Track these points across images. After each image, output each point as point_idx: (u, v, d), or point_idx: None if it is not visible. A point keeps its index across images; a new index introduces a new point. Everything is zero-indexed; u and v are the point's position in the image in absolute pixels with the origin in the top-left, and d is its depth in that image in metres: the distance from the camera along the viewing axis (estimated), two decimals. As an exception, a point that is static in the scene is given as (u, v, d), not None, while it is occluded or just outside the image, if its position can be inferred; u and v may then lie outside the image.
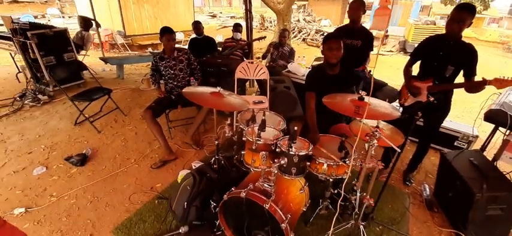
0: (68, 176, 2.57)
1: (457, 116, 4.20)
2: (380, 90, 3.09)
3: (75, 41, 4.73)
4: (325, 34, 11.24)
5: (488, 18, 21.42)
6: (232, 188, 1.72)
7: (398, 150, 1.44)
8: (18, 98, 4.01)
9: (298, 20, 13.15)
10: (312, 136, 1.94)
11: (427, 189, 2.47)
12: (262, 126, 1.69)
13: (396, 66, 7.67)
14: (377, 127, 1.50)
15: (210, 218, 1.99)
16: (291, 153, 1.58)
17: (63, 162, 2.74)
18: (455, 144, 3.02)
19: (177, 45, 2.94)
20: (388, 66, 7.86)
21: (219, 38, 6.00)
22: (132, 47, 8.03)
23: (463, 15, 1.87)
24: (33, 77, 4.31)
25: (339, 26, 2.94)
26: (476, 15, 1.95)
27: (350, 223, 1.87)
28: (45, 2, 17.39)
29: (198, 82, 3.12)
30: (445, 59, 2.05)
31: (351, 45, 2.57)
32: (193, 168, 2.52)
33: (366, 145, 1.55)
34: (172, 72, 2.91)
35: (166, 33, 2.73)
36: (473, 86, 1.94)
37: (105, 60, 5.23)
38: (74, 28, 4.97)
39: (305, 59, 4.29)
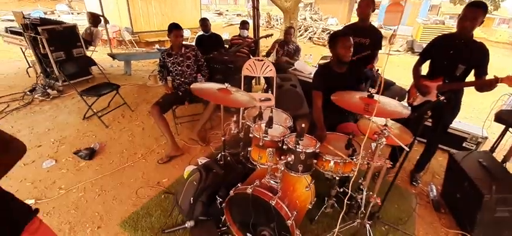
0: (77, 169, 2.62)
1: (465, 117, 4.14)
2: (388, 89, 3.06)
3: (84, 36, 4.79)
4: (331, 32, 11.21)
5: (498, 19, 20.98)
6: (239, 184, 1.73)
7: (407, 149, 1.43)
8: (28, 92, 4.09)
9: (305, 18, 13.08)
10: (319, 133, 1.94)
11: (434, 190, 2.45)
12: (270, 123, 1.70)
13: (404, 65, 7.59)
14: (385, 125, 1.49)
15: (215, 214, 2.00)
16: (298, 150, 1.58)
17: (71, 155, 2.79)
18: (463, 145, 2.98)
19: (184, 42, 2.95)
20: (395, 65, 7.77)
21: (225, 36, 6.00)
22: (139, 43, 8.10)
23: (476, 12, 1.84)
24: (43, 72, 4.38)
25: (347, 24, 2.92)
26: (487, 16, 1.92)
27: (356, 222, 1.86)
28: (54, -2, 17.62)
29: (205, 78, 3.13)
30: (456, 57, 2.02)
31: (359, 43, 2.55)
32: (200, 163, 2.54)
33: (373, 145, 1.55)
34: (179, 68, 2.93)
35: (175, 29, 2.75)
36: (484, 84, 1.90)
37: (113, 56, 5.29)
38: (82, 24, 5.03)
39: (312, 56, 4.28)
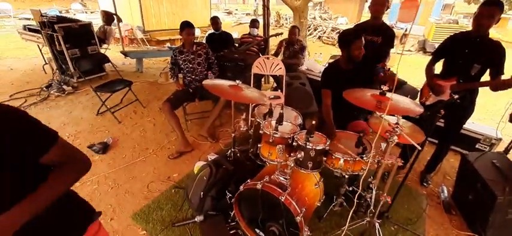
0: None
1: (479, 118, 4.04)
2: (400, 88, 3.02)
3: (98, 34, 4.91)
4: (341, 31, 11.02)
5: (513, 18, 20.23)
6: (248, 180, 1.75)
7: (419, 148, 1.42)
8: (44, 88, 4.23)
9: (314, 18, 12.99)
10: (329, 131, 1.94)
11: (445, 191, 2.41)
12: (280, 120, 1.71)
13: (415, 65, 7.45)
14: (397, 124, 1.49)
15: (225, 209, 2.03)
16: (307, 147, 1.59)
17: (86, 149, 2.87)
18: (476, 146, 2.92)
19: (195, 40, 3.00)
20: (406, 65, 7.64)
21: (234, 35, 6.04)
22: (151, 42, 8.24)
23: (492, 10, 1.81)
24: (59, 69, 4.52)
25: (357, 22, 2.88)
26: (501, 15, 1.88)
27: (365, 220, 1.86)
28: (69, -3, 18.06)
29: (215, 76, 3.18)
30: (471, 56, 1.99)
31: (371, 41, 2.53)
32: (209, 160, 2.58)
33: (382, 145, 1.54)
34: (190, 65, 2.98)
35: (187, 27, 2.80)
36: (501, 84, 1.86)
37: (125, 53, 5.40)
38: (96, 22, 5.16)
39: (322, 55, 4.25)
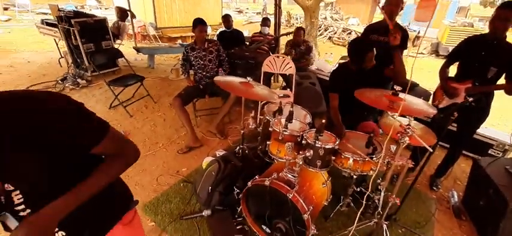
0: (103, 154, 2.78)
1: (492, 124, 3.94)
2: (412, 90, 2.98)
3: (112, 30, 5.01)
4: (353, 41, 10.88)
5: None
6: (256, 177, 1.77)
7: (431, 150, 1.41)
8: (60, 81, 4.35)
9: (325, 18, 12.88)
10: (338, 131, 1.94)
11: (455, 196, 2.37)
12: (290, 117, 1.73)
13: (427, 68, 7.30)
14: (409, 125, 1.48)
15: (232, 204, 2.06)
16: (317, 145, 1.60)
17: (98, 141, 2.95)
18: (489, 152, 2.85)
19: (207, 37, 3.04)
20: (418, 68, 7.50)
21: (245, 33, 6.08)
22: (162, 38, 8.36)
23: (509, 13, 1.78)
24: (74, 62, 4.65)
25: (370, 23, 2.83)
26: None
27: (372, 222, 1.85)
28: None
29: (225, 73, 3.21)
30: (488, 59, 1.95)
31: (384, 42, 2.50)
32: (218, 155, 2.61)
33: (392, 147, 1.52)
34: (202, 62, 3.02)
35: (199, 24, 2.84)
36: None
37: (138, 49, 5.50)
38: (110, 19, 5.27)
39: (332, 55, 4.22)
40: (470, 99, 1.60)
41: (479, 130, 2.58)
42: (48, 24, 4.82)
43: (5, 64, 5.20)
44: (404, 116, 1.64)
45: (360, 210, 1.62)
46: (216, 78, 1.99)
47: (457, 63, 2.21)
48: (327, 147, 1.61)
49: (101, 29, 4.62)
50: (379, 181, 1.76)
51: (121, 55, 3.98)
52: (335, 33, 11.38)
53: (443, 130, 1.58)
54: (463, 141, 2.33)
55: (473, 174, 2.27)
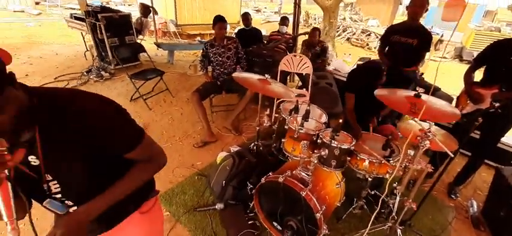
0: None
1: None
2: (433, 94, 2.88)
3: (135, 25, 5.19)
4: (371, 34, 10.73)
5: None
6: (270, 173, 1.78)
7: (452, 155, 1.36)
8: (85, 73, 4.57)
9: (344, 18, 12.65)
10: (355, 132, 1.92)
11: (475, 206, 2.28)
12: (306, 116, 1.73)
13: (449, 73, 6.99)
14: (429, 129, 1.44)
15: (245, 200, 2.09)
16: (332, 145, 1.59)
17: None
18: (513, 162, 2.71)
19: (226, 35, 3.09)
20: (440, 73, 7.16)
21: (262, 32, 6.10)
22: (182, 35, 8.54)
23: None
24: (99, 56, 4.86)
25: (391, 24, 2.76)
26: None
27: (386, 226, 1.82)
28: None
29: (243, 70, 3.24)
30: None
31: (406, 43, 2.43)
32: (232, 151, 2.65)
33: (410, 152, 1.48)
34: (220, 59, 3.08)
35: (219, 21, 2.90)
36: None
37: (158, 45, 5.67)
38: (133, 15, 5.46)
39: (351, 56, 4.15)
40: (497, 105, 1.54)
41: (503, 139, 2.46)
42: (76, 18, 5.06)
43: (36, 55, 5.52)
44: (424, 121, 1.60)
45: (374, 213, 1.60)
46: (235, 74, 2.03)
47: (483, 68, 2.12)
48: (342, 147, 1.60)
49: (125, 24, 4.80)
50: (395, 185, 1.73)
51: (143, 50, 4.12)
52: (354, 34, 11.16)
53: (465, 135, 1.52)
54: (486, 149, 2.24)
55: (495, 184, 2.18)
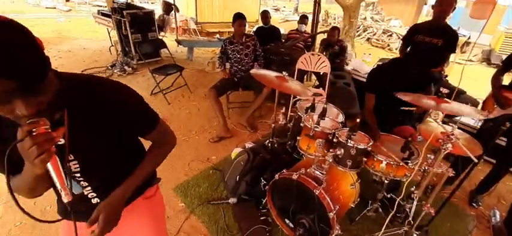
0: (143, 136, 3.01)
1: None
2: (458, 97, 2.75)
3: (157, 22, 5.35)
4: (392, 35, 10.36)
5: None
6: (284, 170, 1.79)
7: (475, 160, 1.31)
8: (109, 67, 4.78)
9: (365, 18, 12.32)
10: (373, 133, 1.88)
11: (497, 215, 2.17)
12: (323, 114, 1.72)
13: (475, 77, 6.63)
14: (452, 133, 1.39)
15: (258, 196, 2.11)
16: (349, 144, 1.58)
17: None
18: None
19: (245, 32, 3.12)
20: (465, 76, 6.81)
21: (281, 31, 6.10)
22: (201, 33, 8.71)
23: None
24: (122, 51, 5.06)
25: (415, 23, 2.65)
26: None
27: (402, 230, 1.78)
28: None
29: (260, 68, 3.26)
30: None
31: (430, 43, 2.34)
32: (247, 147, 2.68)
33: (430, 156, 1.43)
34: (238, 56, 3.12)
35: (239, 18, 2.94)
36: None
37: (179, 42, 5.81)
38: (156, 12, 5.65)
39: (371, 56, 4.05)
40: (527, 111, 1.46)
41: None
42: (103, 14, 5.30)
43: (65, 49, 5.85)
44: (446, 123, 1.55)
45: (389, 216, 1.57)
46: (253, 71, 2.05)
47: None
48: (359, 147, 1.58)
49: (148, 21, 4.95)
50: (412, 189, 1.68)
51: (164, 46, 4.25)
52: (374, 34, 10.84)
53: (491, 141, 1.46)
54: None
55: (522, 194, 2.05)
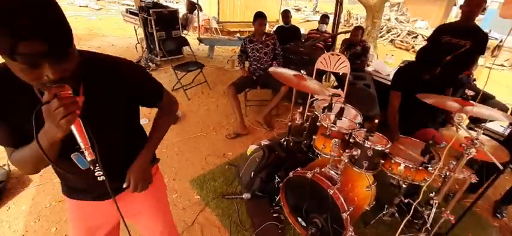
0: (163, 129, 3.14)
1: None
2: (485, 101, 2.59)
3: (181, 21, 5.53)
4: (418, 37, 9.88)
5: None
6: (298, 168, 1.80)
7: (501, 167, 1.24)
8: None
9: (389, 19, 11.89)
10: (392, 135, 1.84)
11: (525, 229, 2.03)
12: (340, 114, 1.71)
13: (505, 83, 6.19)
14: (477, 138, 1.33)
15: (271, 193, 2.13)
16: (365, 145, 1.55)
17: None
18: None
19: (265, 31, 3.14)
20: (494, 82, 6.36)
21: (301, 31, 6.06)
22: (222, 32, 8.86)
23: None
24: (147, 48, 5.28)
25: (443, 23, 2.53)
26: None
27: (419, 236, 1.72)
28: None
29: (279, 66, 3.28)
30: None
31: (457, 45, 2.23)
32: (262, 144, 2.70)
33: (452, 162, 1.37)
34: (257, 54, 3.16)
35: (260, 17, 2.98)
36: None
37: (200, 40, 5.97)
38: (180, 11, 5.83)
39: (393, 57, 3.91)
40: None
41: None
42: (131, 13, 5.56)
43: (95, 45, 6.20)
44: (472, 129, 1.48)
45: (404, 220, 1.52)
46: (271, 69, 2.07)
47: None
48: (376, 148, 1.55)
49: (172, 20, 5.14)
50: (431, 194, 1.62)
51: (187, 43, 4.39)
52: (398, 35, 10.44)
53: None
54: None
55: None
